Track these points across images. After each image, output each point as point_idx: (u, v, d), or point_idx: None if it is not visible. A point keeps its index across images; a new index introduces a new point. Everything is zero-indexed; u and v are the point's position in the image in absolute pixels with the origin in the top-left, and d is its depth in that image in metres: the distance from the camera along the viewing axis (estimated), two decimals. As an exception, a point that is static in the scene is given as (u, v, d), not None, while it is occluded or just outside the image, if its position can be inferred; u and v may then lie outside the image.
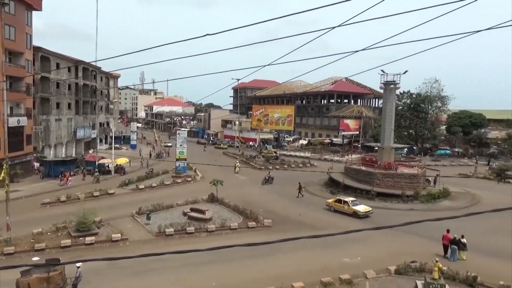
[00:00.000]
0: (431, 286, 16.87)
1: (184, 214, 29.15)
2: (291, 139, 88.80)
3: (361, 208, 30.46)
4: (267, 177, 43.70)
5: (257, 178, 45.65)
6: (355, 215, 29.87)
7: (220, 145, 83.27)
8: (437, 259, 18.02)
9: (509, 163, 49.68)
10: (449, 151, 68.99)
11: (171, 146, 72.89)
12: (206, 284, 18.24)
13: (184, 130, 53.37)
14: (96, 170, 44.59)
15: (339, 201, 31.78)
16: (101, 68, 69.99)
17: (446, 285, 17.00)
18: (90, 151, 62.93)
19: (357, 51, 11.20)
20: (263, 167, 53.25)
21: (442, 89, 70.06)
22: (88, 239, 23.42)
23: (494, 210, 5.63)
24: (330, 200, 33.05)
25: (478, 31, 9.13)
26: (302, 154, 67.24)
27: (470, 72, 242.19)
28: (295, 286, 17.52)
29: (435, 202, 34.16)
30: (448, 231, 22.40)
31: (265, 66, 13.78)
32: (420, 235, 24.44)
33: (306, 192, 39.24)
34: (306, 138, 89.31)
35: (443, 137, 75.74)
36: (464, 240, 21.88)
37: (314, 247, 22.26)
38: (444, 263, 19.64)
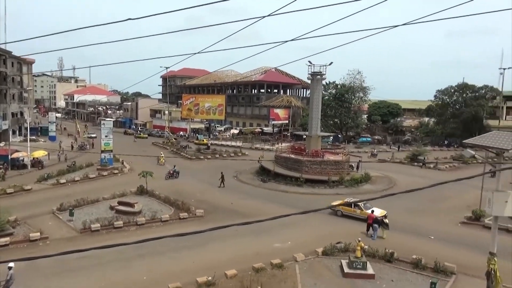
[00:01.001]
0: (354, 264, 18.13)
1: (112, 208, 27.81)
2: (222, 128, 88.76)
3: (377, 212, 25.29)
4: (171, 171, 40.06)
5: (189, 168, 45.02)
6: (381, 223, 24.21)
7: (140, 134, 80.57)
8: (359, 239, 19.32)
9: (421, 149, 54.74)
10: (370, 139, 73.96)
11: (95, 137, 68.89)
12: (137, 279, 17.67)
13: (110, 120, 50.68)
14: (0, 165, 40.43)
15: (349, 204, 26.99)
16: (12, 52, 63.43)
17: (367, 262, 18.39)
18: (1, 144, 57.11)
19: (286, 41, 11.41)
20: (194, 157, 52.63)
21: (364, 81, 74.65)
22: (2, 241, 21.33)
23: (407, 191, 6.13)
24: (336, 203, 28.33)
25: (395, 26, 9.78)
26: (233, 143, 67.62)
27: (388, 65, 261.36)
28: (228, 273, 17.69)
29: (358, 186, 36.57)
30: (372, 211, 24.33)
31: (194, 54, 13.50)
32: (344, 217, 26.01)
33: (238, 181, 39.67)
34: (238, 128, 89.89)
35: (364, 126, 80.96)
36: (386, 220, 23.86)
37: (246, 234, 22.61)
38: (367, 241, 21.21)
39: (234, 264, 18.75)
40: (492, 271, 10.03)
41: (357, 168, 41.97)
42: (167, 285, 16.50)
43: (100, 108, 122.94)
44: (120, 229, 24.40)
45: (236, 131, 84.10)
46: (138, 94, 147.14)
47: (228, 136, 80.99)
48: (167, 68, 70.07)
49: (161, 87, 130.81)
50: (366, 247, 20.14)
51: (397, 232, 24.04)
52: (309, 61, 40.45)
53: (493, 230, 10.27)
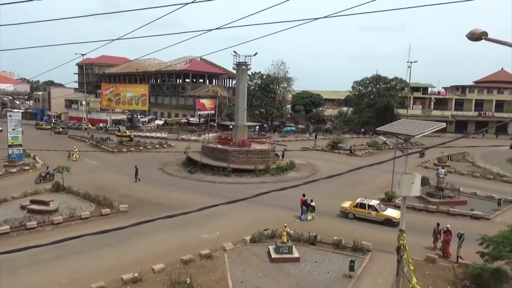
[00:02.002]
0: (281, 249, 18.82)
1: (23, 207, 25.43)
2: (146, 119, 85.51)
3: (394, 213, 24.31)
4: (43, 174, 34.03)
5: (110, 161, 42.78)
6: (389, 223, 23.76)
7: (42, 125, 74.66)
8: (285, 224, 20.04)
9: (340, 137, 58.16)
10: (294, 128, 76.66)
11: (0, 131, 62.13)
12: (55, 282, 16.46)
13: (18, 112, 45.98)
14: None
15: (362, 205, 25.11)
16: None
17: (293, 246, 19.21)
18: None
19: (210, 30, 11.25)
20: (116, 150, 50.10)
21: (288, 71, 76.86)
22: None
23: (327, 177, 6.47)
24: (346, 205, 26.03)
25: (316, 18, 10.14)
26: (158, 134, 65.59)
27: (310, 56, 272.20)
28: (156, 268, 17.28)
29: (283, 174, 37.81)
30: (304, 195, 25.54)
31: (113, 40, 12.72)
32: (271, 204, 26.74)
33: (164, 173, 38.69)
34: (162, 118, 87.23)
35: (289, 115, 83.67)
36: (313, 204, 25.35)
37: (173, 227, 22.20)
38: (299, 223, 22.15)
39: (161, 258, 18.36)
40: (402, 246, 11.07)
41: (282, 156, 43.29)
42: (89, 285, 15.63)
43: (5, 98, 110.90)
44: (33, 230, 22.45)
45: (161, 122, 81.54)
46: (50, 83, 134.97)
47: (152, 127, 78.27)
48: (83, 55, 65.28)
49: (77, 75, 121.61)
50: (292, 232, 21.00)
51: (322, 216, 25.40)
52: (234, 51, 40.49)
53: (402, 209, 11.31)
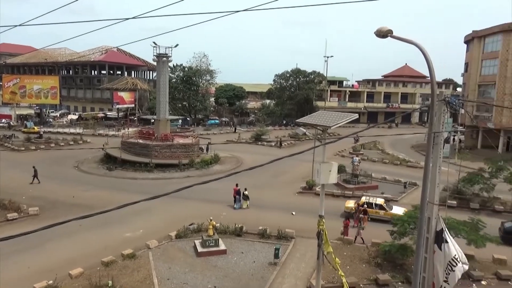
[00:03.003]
0: (207, 243, 18.77)
1: None
2: (58, 114, 78.97)
3: (401, 211, 22.69)
4: None
5: (17, 161, 38.82)
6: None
7: None
8: (211, 218, 19.98)
9: (263, 129, 59.48)
10: (218, 121, 76.56)
11: None
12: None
13: None
14: None
15: (369, 205, 24.01)
16: None
17: (219, 239, 19.28)
18: None
19: (127, 19, 10.66)
20: (23, 148, 45.55)
21: (210, 64, 76.23)
22: None
23: (250, 168, 6.56)
24: (351, 205, 24.77)
25: (236, 11, 10.15)
26: (72, 130, 60.95)
27: (233, 48, 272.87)
28: (73, 273, 16.14)
29: (208, 167, 37.65)
30: (237, 185, 26.14)
31: (16, 26, 11.47)
32: (197, 198, 26.48)
33: (80, 171, 36.24)
34: (76, 113, 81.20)
35: (212, 108, 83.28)
36: (246, 193, 26.25)
37: (92, 227, 20.89)
38: (232, 212, 22.63)
39: (79, 262, 17.22)
40: (322, 231, 11.69)
41: (207, 150, 43.08)
42: (-6, 299, 14.11)
43: None
44: None
45: (75, 117, 75.80)
46: None
47: (65, 122, 72.47)
48: (-22, 42, 57.88)
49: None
50: (218, 224, 21.05)
51: (251, 206, 25.79)
52: (154, 42, 39.05)
53: (321, 196, 11.92)
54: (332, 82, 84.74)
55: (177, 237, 20.43)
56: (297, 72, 79.13)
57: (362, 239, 20.50)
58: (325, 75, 71.47)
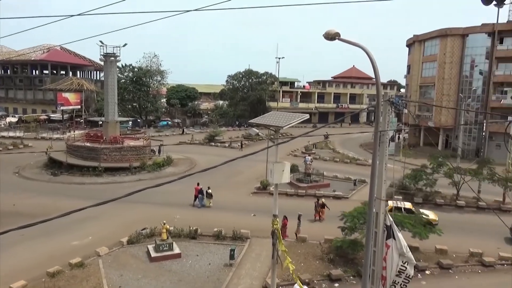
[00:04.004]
0: (161, 247, 18.35)
1: None
2: (-6, 116, 73.52)
3: (431, 215, 23.18)
4: None
5: None
6: (429, 225, 20.46)
7: None
8: (164, 221, 19.54)
9: (217, 130, 59.18)
10: (170, 122, 75.08)
11: None
12: None
13: None
14: None
15: (397, 209, 22.44)
16: None
17: (174, 243, 18.91)
18: None
19: (71, 16, 10.15)
20: (-45, 154, 41.90)
21: (161, 64, 74.51)
22: None
23: (203, 170, 6.49)
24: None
25: (187, 11, 10.01)
26: (12, 133, 57.02)
27: (184, 49, 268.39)
28: (14, 287, 15.10)
29: (160, 170, 36.80)
30: (198, 184, 26.40)
31: None
32: (149, 202, 25.78)
33: (21, 178, 34.01)
34: (16, 115, 76.02)
35: (164, 109, 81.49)
36: (210, 191, 26.56)
37: (35, 237, 19.66)
38: (193, 211, 22.60)
39: (22, 275, 16.13)
40: (276, 230, 11.84)
41: (159, 152, 42.11)
42: None
43: None
44: None
45: (14, 119, 70.88)
46: None
47: (3, 125, 67.60)
48: None
49: None
50: (171, 228, 20.64)
51: (202, 209, 25.53)
52: (101, 41, 37.51)
53: (275, 196, 12.07)
54: (284, 83, 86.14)
55: (129, 242, 19.78)
56: (249, 73, 79.58)
57: (296, 235, 21.11)
58: (277, 76, 72.50)
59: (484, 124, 42.79)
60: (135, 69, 71.97)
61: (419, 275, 17.61)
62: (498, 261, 18.98)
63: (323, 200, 25.65)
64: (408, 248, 8.57)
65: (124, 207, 24.42)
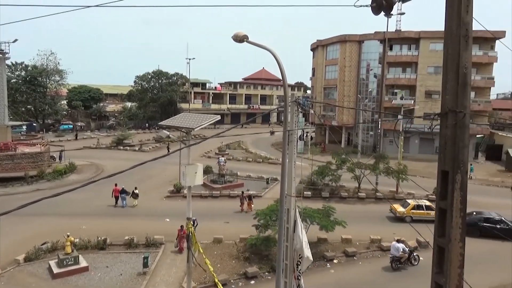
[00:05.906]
0: (64, 262, 16.83)
1: None
2: None
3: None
4: None
5: None
6: None
7: None
8: (68, 233, 17.97)
9: (125, 133, 56.29)
10: (72, 126, 69.42)
11: None
12: None
13: None
14: None
15: (419, 207, 24.59)
16: None
17: (80, 256, 17.48)
18: None
19: None
20: None
21: (59, 63, 68.32)
22: None
23: (111, 175, 6.12)
24: (402, 209, 24.81)
25: (87, 6, 9.33)
26: None
27: (87, 47, 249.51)
28: None
29: (62, 178, 33.84)
30: (116, 184, 26.70)
31: None
32: (50, 214, 23.51)
33: None
34: None
35: (65, 112, 75.01)
36: (136, 191, 26.90)
37: None
38: (101, 220, 21.31)
39: None
40: (190, 233, 11.65)
41: (60, 158, 38.68)
42: None
43: None
44: None
45: None
46: None
47: None
48: None
49: None
50: (77, 240, 19.11)
51: (112, 216, 24.03)
52: (-15, 36, 33.23)
53: (188, 198, 11.86)
54: (195, 84, 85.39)
55: (27, 260, 17.78)
56: (159, 74, 77.35)
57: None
58: (188, 77, 71.54)
59: (379, 122, 47.35)
60: (29, 68, 65.05)
61: (328, 264, 18.82)
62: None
63: (250, 193, 28.00)
64: (308, 244, 8.97)
65: (19, 222, 21.90)
